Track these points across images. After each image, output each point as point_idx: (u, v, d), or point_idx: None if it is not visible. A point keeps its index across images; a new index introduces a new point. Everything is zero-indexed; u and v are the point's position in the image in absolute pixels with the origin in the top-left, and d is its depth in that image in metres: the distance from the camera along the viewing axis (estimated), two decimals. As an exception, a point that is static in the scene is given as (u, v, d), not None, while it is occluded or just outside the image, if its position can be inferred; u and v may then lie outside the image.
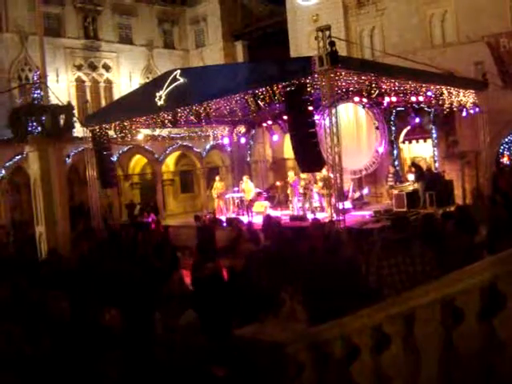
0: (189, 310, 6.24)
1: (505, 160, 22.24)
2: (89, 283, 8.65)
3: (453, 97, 18.03)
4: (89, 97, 29.13)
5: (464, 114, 19.52)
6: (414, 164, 20.07)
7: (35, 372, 5.04)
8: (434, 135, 21.53)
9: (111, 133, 19.72)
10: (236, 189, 22.32)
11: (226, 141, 25.30)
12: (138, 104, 17.39)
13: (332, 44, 12.66)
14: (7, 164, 22.55)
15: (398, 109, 20.59)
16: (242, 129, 24.79)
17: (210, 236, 13.45)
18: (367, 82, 15.08)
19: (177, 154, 28.57)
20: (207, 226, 16.12)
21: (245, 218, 18.83)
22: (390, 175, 20.27)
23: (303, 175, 18.02)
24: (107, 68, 30.33)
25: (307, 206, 18.11)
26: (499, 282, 3.54)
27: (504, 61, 19.65)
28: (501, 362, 3.58)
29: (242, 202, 20.86)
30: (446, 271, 4.19)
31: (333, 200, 13.94)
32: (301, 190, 18.22)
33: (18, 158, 21.94)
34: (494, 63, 19.82)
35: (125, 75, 30.72)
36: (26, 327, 5.95)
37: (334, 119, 13.46)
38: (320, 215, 16.55)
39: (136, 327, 6.29)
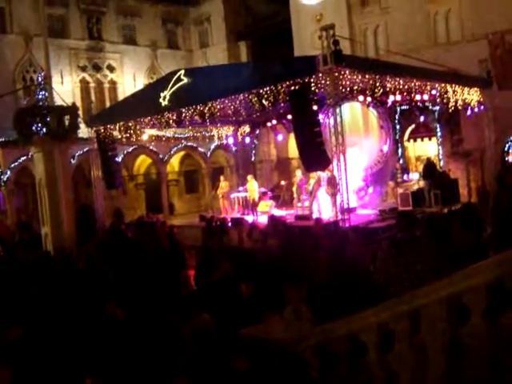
0: (203, 314, 6.27)
1: (510, 158, 22.14)
2: (95, 281, 8.71)
3: (457, 95, 17.97)
4: (93, 98, 29.20)
5: (469, 112, 19.47)
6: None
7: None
8: (439, 133, 21.48)
9: (116, 133, 19.72)
10: (241, 188, 22.32)
11: (230, 140, 25.31)
12: (143, 104, 17.40)
13: (336, 43, 12.65)
14: (12, 165, 22.60)
15: (403, 107, 20.54)
16: (247, 128, 24.78)
17: (219, 238, 13.44)
18: (371, 81, 15.05)
19: (181, 154, 28.60)
20: (216, 227, 16.06)
21: (250, 218, 18.83)
22: (397, 171, 20.05)
23: (313, 174, 17.95)
24: (111, 69, 30.35)
25: (315, 205, 17.90)
26: (506, 280, 3.53)
27: (507, 58, 19.65)
28: (507, 359, 3.57)
29: (247, 202, 20.85)
30: (452, 269, 4.18)
31: (338, 199, 13.91)
32: (310, 188, 18.10)
33: (23, 158, 21.99)
34: (492, 65, 19.86)
35: (129, 76, 30.74)
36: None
37: (338, 118, 13.45)
38: (327, 214, 16.49)
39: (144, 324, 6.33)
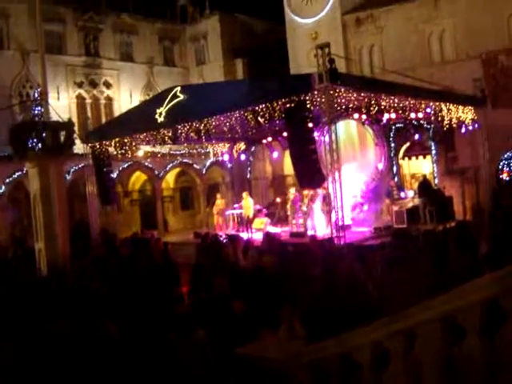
0: (199, 330, 6.22)
1: (504, 176, 22.24)
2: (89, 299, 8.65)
3: (452, 113, 18.09)
4: (89, 114, 29.22)
5: (463, 130, 19.57)
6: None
7: None
8: (434, 151, 21.57)
9: (111, 149, 19.73)
10: (236, 205, 22.30)
11: (226, 157, 25.34)
12: (139, 121, 17.43)
13: (331, 61, 12.73)
14: (7, 180, 22.53)
15: (398, 125, 20.63)
16: (242, 145, 24.83)
17: (214, 255, 13.39)
18: (366, 99, 15.13)
19: (177, 170, 28.58)
20: (212, 244, 16.00)
21: (244, 235, 18.77)
22: (394, 189, 20.04)
23: (306, 192, 17.92)
24: (108, 85, 30.44)
25: (309, 223, 17.84)
26: (501, 298, 3.51)
27: (500, 77, 19.88)
28: (503, 379, 3.55)
29: (242, 219, 20.79)
30: (448, 287, 4.17)
31: (333, 216, 13.88)
32: (304, 208, 18.08)
33: (18, 174, 21.93)
34: (485, 84, 20.09)
35: (125, 92, 30.83)
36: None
37: (333, 136, 13.50)
38: (322, 232, 16.46)
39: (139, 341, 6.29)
